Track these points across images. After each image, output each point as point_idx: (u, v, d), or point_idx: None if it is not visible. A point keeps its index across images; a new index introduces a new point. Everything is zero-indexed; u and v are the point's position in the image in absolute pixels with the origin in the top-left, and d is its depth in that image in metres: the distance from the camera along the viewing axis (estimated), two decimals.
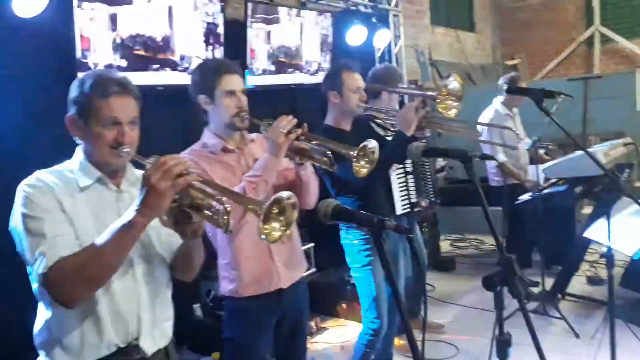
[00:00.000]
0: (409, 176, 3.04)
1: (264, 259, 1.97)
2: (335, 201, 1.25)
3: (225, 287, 2.00)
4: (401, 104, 2.78)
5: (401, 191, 2.95)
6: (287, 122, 1.84)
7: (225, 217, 1.22)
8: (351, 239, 2.57)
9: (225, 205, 1.22)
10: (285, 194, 1.23)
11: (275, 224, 1.24)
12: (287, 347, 2.14)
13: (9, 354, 2.26)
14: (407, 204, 2.99)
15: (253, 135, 2.06)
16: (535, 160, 3.89)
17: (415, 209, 3.05)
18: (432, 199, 3.25)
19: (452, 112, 2.44)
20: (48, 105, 2.50)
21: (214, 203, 1.25)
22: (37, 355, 1.44)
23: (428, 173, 3.23)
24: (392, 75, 3.09)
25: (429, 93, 2.53)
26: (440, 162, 3.60)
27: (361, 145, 1.87)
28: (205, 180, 1.31)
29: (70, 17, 2.63)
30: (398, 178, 2.99)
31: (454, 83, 2.41)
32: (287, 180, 2.01)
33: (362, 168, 1.90)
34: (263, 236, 1.21)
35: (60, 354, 1.37)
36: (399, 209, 2.93)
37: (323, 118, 2.66)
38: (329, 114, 2.61)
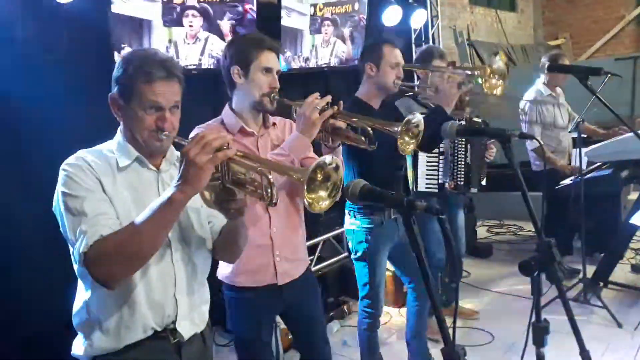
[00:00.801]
0: (442, 156, 2.98)
1: (264, 251, 1.89)
2: (363, 181, 1.22)
3: (221, 270, 1.95)
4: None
5: (429, 170, 2.90)
6: (320, 98, 1.75)
7: (269, 190, 1.20)
8: (359, 225, 2.47)
9: (269, 177, 1.19)
10: (327, 158, 1.20)
11: (322, 192, 1.20)
12: (305, 339, 2.11)
13: (50, 333, 2.33)
14: (435, 184, 2.95)
15: (275, 119, 1.98)
16: (579, 142, 3.72)
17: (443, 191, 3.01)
18: (460, 182, 3.17)
19: (498, 91, 2.37)
20: (88, 88, 2.56)
21: (256, 176, 1.23)
22: (76, 335, 1.45)
23: (461, 156, 3.15)
24: (430, 53, 3.01)
25: (471, 72, 2.45)
26: (494, 147, 3.49)
27: (405, 119, 1.79)
28: (246, 154, 1.28)
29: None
30: (428, 157, 2.94)
31: (499, 62, 2.35)
32: None
33: (407, 144, 1.81)
34: (308, 202, 1.18)
35: (98, 335, 1.38)
36: (422, 186, 2.90)
37: None
38: (362, 87, 2.50)
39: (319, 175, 1.19)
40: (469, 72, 2.48)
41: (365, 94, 2.48)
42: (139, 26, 2.77)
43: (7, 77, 2.42)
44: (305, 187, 1.15)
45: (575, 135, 3.83)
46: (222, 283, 1.97)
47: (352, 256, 2.57)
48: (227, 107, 1.92)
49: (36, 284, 2.44)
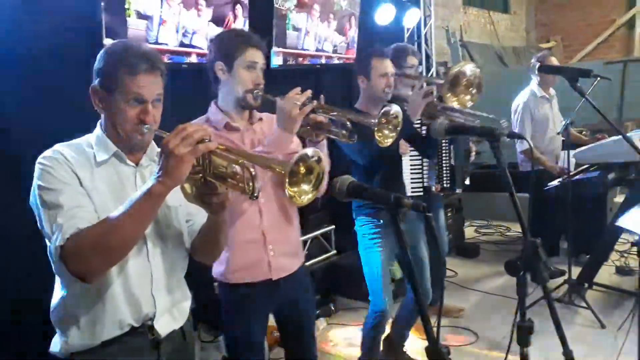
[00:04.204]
0: (425, 160, 3.00)
1: (257, 246, 1.88)
2: (351, 177, 1.21)
3: (215, 268, 1.93)
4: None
5: (414, 174, 2.93)
6: (301, 94, 1.72)
7: (251, 183, 1.18)
8: (359, 224, 2.55)
9: (251, 170, 1.17)
10: (310, 150, 1.19)
11: (305, 186, 1.19)
12: (294, 336, 2.07)
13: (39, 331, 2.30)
14: (420, 187, 2.99)
15: (262, 115, 1.96)
16: (567, 144, 3.74)
17: (428, 194, 3.05)
18: (445, 185, 3.19)
19: (469, 104, 2.39)
20: (78, 83, 2.51)
21: (237, 169, 1.21)
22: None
23: (445, 158, 3.17)
24: (403, 51, 2.92)
25: (436, 81, 2.47)
26: (473, 147, 3.51)
27: (382, 111, 1.80)
28: (227, 147, 1.26)
29: None
30: (412, 160, 2.97)
31: (464, 66, 2.34)
32: None
33: (385, 138, 1.84)
34: (290, 194, 1.16)
35: (74, 332, 1.36)
36: (408, 191, 2.95)
37: (348, 99, 2.63)
38: (359, 99, 2.62)
39: (301, 168, 1.18)
40: (434, 80, 2.50)
41: (362, 105, 2.58)
42: None
43: None
44: (287, 180, 1.14)
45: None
46: (216, 281, 1.94)
47: (362, 254, 2.59)
48: (212, 104, 1.91)
49: (26, 282, 2.39)
